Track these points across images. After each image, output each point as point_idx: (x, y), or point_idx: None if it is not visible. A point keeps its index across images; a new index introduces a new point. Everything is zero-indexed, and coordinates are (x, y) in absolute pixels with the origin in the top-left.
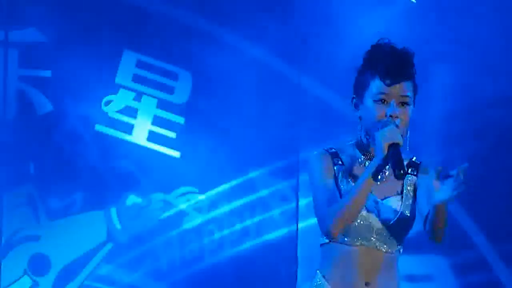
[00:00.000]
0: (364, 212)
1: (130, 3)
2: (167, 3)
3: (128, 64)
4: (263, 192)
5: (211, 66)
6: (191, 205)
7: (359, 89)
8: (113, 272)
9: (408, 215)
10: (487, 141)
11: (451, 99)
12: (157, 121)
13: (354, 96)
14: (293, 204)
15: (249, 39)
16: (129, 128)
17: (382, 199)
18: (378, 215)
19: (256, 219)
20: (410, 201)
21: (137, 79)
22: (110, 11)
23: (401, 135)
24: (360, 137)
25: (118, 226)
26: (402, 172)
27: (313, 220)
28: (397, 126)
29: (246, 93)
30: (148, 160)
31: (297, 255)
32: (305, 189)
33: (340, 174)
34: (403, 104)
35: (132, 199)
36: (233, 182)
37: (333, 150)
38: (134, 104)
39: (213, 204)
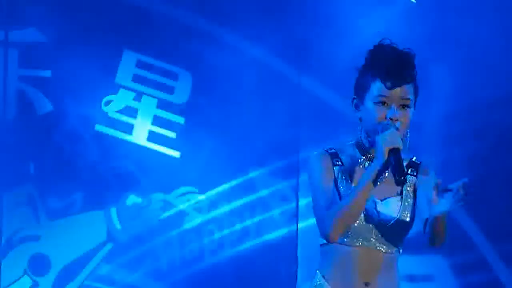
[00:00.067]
0: (363, 213)
1: (130, 3)
2: (167, 3)
3: (128, 64)
4: (263, 192)
5: (211, 66)
6: (191, 205)
7: (360, 90)
8: (113, 272)
9: (408, 216)
10: (487, 141)
11: (451, 99)
12: (157, 121)
13: (355, 96)
14: (293, 204)
15: (249, 39)
16: (129, 128)
17: (382, 200)
18: (378, 216)
19: (256, 219)
20: (410, 201)
21: (137, 79)
22: (110, 11)
23: (401, 138)
24: (360, 137)
25: (118, 226)
26: (402, 178)
27: (313, 220)
28: (397, 128)
29: (246, 93)
30: (148, 160)
31: (297, 255)
32: (305, 189)
33: (339, 175)
34: (404, 106)
35: (132, 199)
36: (233, 182)
37: (333, 150)
38: (134, 104)
39: (213, 204)
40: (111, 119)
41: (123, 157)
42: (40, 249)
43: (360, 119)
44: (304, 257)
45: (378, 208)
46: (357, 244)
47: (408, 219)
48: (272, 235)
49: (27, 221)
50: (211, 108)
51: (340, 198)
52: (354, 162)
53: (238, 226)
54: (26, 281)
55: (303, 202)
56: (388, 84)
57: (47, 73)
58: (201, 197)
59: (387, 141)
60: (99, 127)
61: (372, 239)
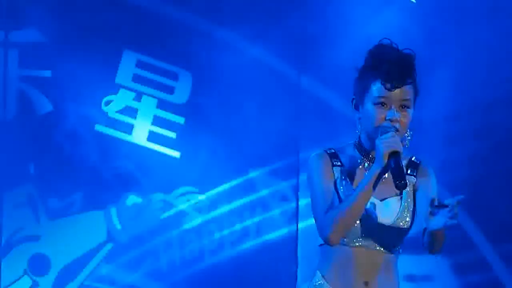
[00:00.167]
0: (363, 213)
1: (130, 3)
2: (167, 3)
3: (128, 64)
4: (263, 192)
5: (211, 66)
6: (191, 205)
7: (360, 91)
8: (113, 272)
9: (408, 216)
10: (487, 141)
11: (451, 99)
12: (157, 121)
13: (354, 97)
14: (293, 204)
15: (249, 39)
16: (129, 128)
17: (381, 200)
18: (378, 216)
19: (256, 219)
20: (410, 202)
21: (137, 79)
22: (110, 11)
23: (401, 139)
24: (360, 138)
25: (118, 226)
26: (402, 182)
27: (313, 220)
28: (397, 130)
29: (246, 93)
30: (148, 160)
31: (297, 255)
32: (305, 189)
33: (339, 175)
34: (404, 107)
35: (132, 199)
36: (233, 182)
37: (332, 150)
38: (134, 104)
39: (213, 204)
40: (111, 119)
41: (123, 157)
42: (40, 249)
43: (360, 119)
44: (304, 257)
45: (378, 209)
46: (357, 244)
47: (407, 219)
48: (272, 235)
49: (27, 221)
50: (211, 108)
51: (340, 199)
52: (353, 163)
53: (238, 226)
54: (26, 281)
55: (303, 202)
56: (388, 85)
57: (47, 73)
58: (201, 197)
59: (387, 144)
60: (99, 127)
61: (371, 239)
